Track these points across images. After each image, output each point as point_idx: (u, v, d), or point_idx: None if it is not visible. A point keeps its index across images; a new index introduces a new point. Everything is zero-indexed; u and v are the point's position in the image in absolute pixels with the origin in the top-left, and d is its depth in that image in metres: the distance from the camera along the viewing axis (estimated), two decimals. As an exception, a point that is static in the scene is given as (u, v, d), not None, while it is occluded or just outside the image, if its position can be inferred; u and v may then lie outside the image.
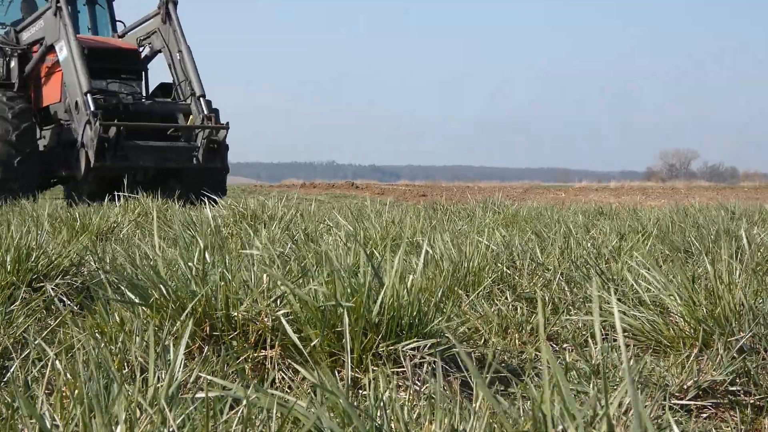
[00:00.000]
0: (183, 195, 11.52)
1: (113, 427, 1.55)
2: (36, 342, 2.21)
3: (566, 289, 3.33)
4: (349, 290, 2.31)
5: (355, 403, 1.73)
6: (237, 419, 1.65)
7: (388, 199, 7.65)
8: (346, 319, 2.14)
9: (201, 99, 12.99)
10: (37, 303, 2.96)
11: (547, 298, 3.24)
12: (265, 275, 2.47)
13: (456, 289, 3.21)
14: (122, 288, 2.52)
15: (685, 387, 2.19)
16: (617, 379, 2.24)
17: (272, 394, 1.66)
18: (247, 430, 1.61)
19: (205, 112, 12.88)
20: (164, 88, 14.01)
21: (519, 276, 3.51)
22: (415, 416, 1.67)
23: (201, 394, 1.66)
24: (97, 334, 2.38)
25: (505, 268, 3.51)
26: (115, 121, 12.12)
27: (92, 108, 12.02)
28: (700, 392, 2.20)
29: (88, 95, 12.14)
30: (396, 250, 2.43)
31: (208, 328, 2.38)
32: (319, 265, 2.54)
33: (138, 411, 1.62)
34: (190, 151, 12.75)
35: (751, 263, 2.94)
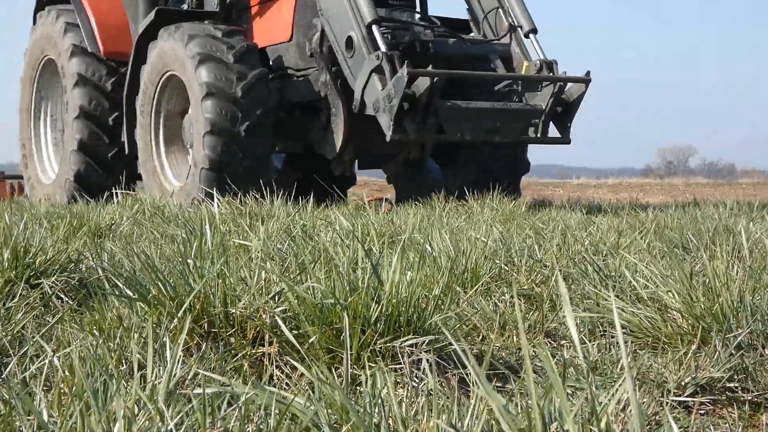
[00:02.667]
0: (477, 181, 8.42)
1: (111, 424, 1.55)
2: (34, 339, 2.21)
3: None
4: (347, 287, 2.31)
5: (353, 400, 1.73)
6: (235, 415, 1.66)
7: (386, 196, 7.65)
8: (345, 317, 2.14)
9: (531, 35, 8.36)
10: (35, 300, 2.96)
11: (545, 295, 3.24)
12: (263, 272, 2.47)
13: (453, 285, 3.21)
14: (120, 285, 2.52)
15: (683, 384, 2.19)
16: (615, 376, 2.25)
17: (270, 391, 1.66)
18: (245, 426, 1.61)
19: (543, 57, 8.18)
20: (446, 21, 9.17)
21: (517, 273, 3.51)
22: (413, 413, 1.67)
23: (199, 390, 1.66)
24: (95, 331, 2.38)
25: (503, 265, 3.51)
26: (430, 68, 7.41)
27: (383, 48, 7.50)
28: (698, 389, 2.21)
29: (374, 27, 7.62)
30: (394, 246, 2.43)
31: (206, 325, 2.38)
32: (318, 262, 2.54)
33: (136, 407, 1.62)
34: (530, 116, 8.00)
35: (749, 260, 2.95)
